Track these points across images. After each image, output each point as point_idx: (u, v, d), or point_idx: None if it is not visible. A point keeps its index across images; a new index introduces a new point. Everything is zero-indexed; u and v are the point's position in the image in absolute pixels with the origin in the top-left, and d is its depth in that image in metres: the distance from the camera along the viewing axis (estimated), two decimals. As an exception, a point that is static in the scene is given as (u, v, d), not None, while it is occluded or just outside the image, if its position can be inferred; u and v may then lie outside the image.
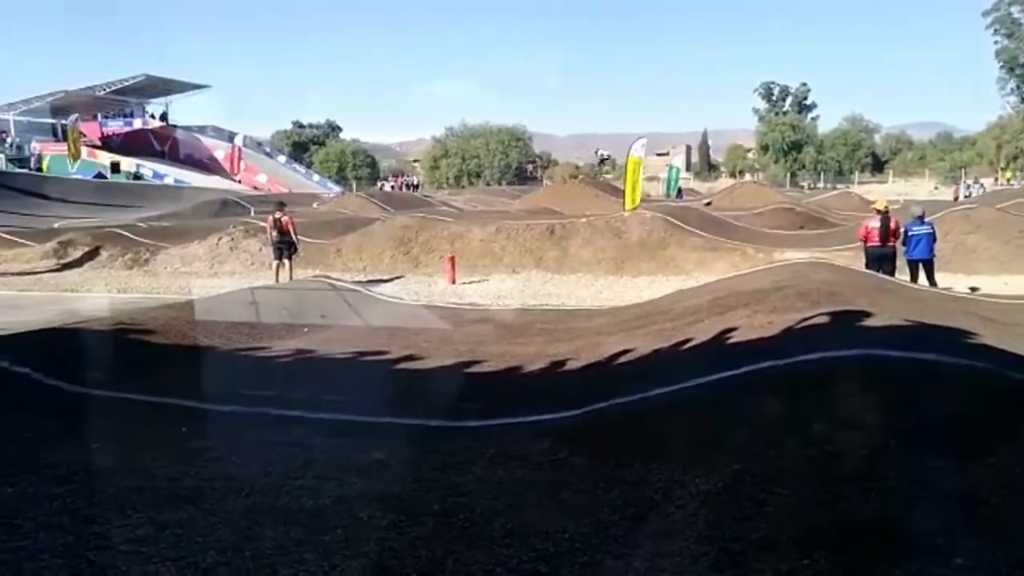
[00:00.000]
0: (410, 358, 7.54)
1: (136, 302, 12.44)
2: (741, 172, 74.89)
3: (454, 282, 14.98)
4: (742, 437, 4.32)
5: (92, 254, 18.37)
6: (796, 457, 4.01)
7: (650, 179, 45.94)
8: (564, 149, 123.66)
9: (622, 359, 6.93)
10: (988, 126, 64.49)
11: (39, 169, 42.39)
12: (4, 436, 4.91)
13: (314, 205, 31.97)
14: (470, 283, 14.98)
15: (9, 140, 46.85)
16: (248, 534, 3.47)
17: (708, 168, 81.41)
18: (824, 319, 6.39)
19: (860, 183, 58.72)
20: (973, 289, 11.85)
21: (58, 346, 7.35)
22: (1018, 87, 65.18)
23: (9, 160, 43.04)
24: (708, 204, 29.03)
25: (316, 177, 56.70)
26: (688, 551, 3.21)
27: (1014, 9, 62.73)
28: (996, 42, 64.46)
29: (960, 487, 3.65)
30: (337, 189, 50.16)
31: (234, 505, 3.81)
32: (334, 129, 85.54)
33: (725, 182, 62.28)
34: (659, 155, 74.39)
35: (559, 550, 3.28)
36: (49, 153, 45.64)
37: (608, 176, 63.05)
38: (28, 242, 19.61)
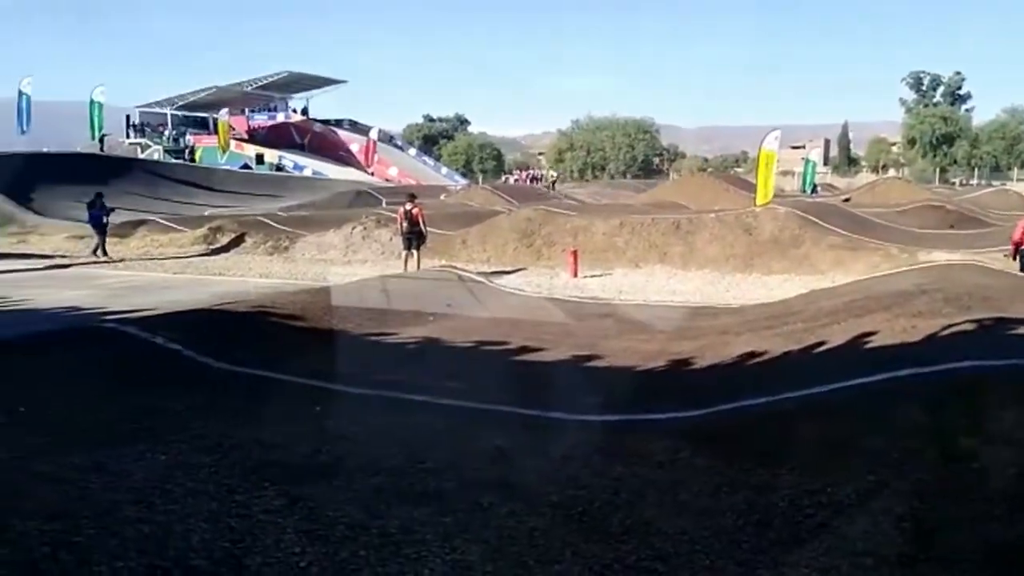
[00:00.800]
0: (531, 349, 7.60)
1: (276, 286, 13.21)
2: (884, 167, 70.56)
3: (576, 275, 14.96)
4: (878, 447, 4.08)
5: (238, 240, 19.63)
6: (938, 471, 3.75)
7: (784, 173, 44.16)
8: (692, 142, 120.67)
9: (749, 360, 6.71)
10: None
11: (192, 160, 45.70)
12: (159, 407, 5.34)
13: (441, 197, 32.77)
14: (592, 277, 14.91)
15: (167, 133, 50.80)
16: (374, 512, 3.62)
17: (848, 162, 77.29)
18: (974, 326, 5.94)
19: (1019, 179, 53.96)
20: None
21: (207, 325, 7.92)
22: None
23: (166, 151, 46.69)
24: (847, 200, 27.55)
25: (444, 170, 58.08)
26: (816, 563, 3.08)
27: None
28: None
29: None
30: (464, 182, 51.19)
31: (362, 483, 3.98)
32: (462, 123, 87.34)
33: (866, 177, 58.92)
34: (794, 148, 71.25)
35: (678, 551, 3.22)
36: (201, 145, 49.15)
37: (740, 170, 61.05)
38: (182, 228, 21.19)
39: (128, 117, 50.66)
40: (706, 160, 78.61)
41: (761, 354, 6.81)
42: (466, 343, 8.02)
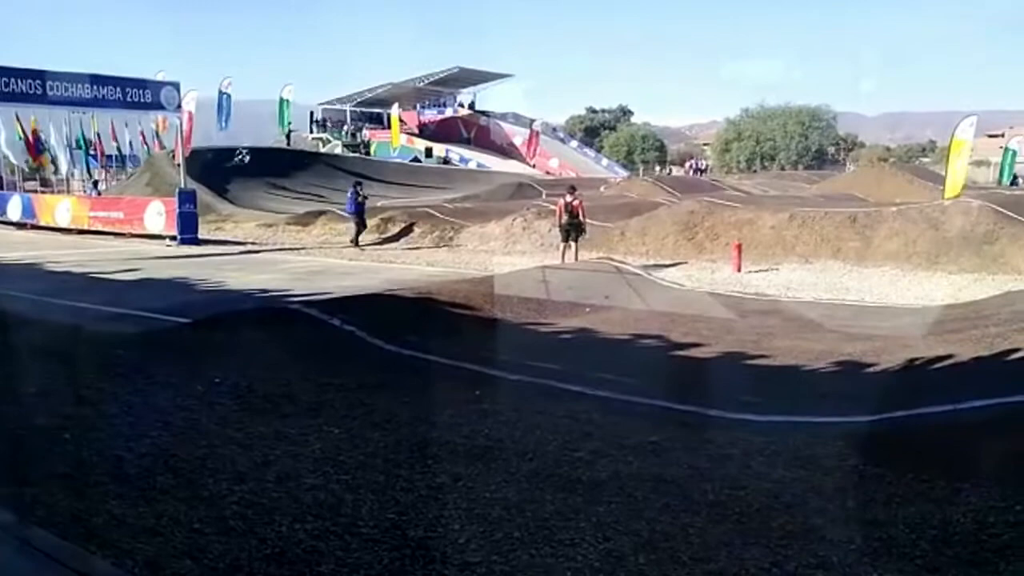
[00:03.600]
0: (690, 344, 7.46)
1: (441, 275, 13.75)
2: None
3: (739, 270, 14.44)
4: (1083, 468, 3.67)
5: (407, 230, 20.61)
6: None
7: (978, 164, 40.18)
8: (873, 130, 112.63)
9: (931, 365, 6.22)
10: None
11: (367, 153, 48.37)
12: (334, 384, 5.74)
13: (600, 189, 32.67)
14: (757, 272, 14.34)
15: (345, 128, 54.07)
16: (530, 496, 3.71)
17: (1057, 151, 69.08)
18: None
19: None
20: None
21: (379, 310, 8.41)
22: None
23: (345, 146, 49.72)
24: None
25: (604, 161, 57.80)
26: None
27: None
28: None
29: None
30: (624, 173, 50.74)
31: (518, 467, 4.10)
32: (625, 113, 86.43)
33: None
34: (991, 136, 64.64)
35: (843, 561, 3.06)
36: (376, 139, 51.92)
37: (926, 160, 56.31)
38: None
39: (311, 114, 54.39)
40: (888, 149, 72.98)
41: (945, 358, 6.30)
42: (623, 335, 8.00)
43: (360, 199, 19.35)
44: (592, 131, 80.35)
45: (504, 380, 6.06)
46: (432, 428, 4.79)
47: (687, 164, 56.15)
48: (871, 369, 6.44)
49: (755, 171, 59.74)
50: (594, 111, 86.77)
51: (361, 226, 19.33)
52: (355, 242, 19.03)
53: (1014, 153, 36.70)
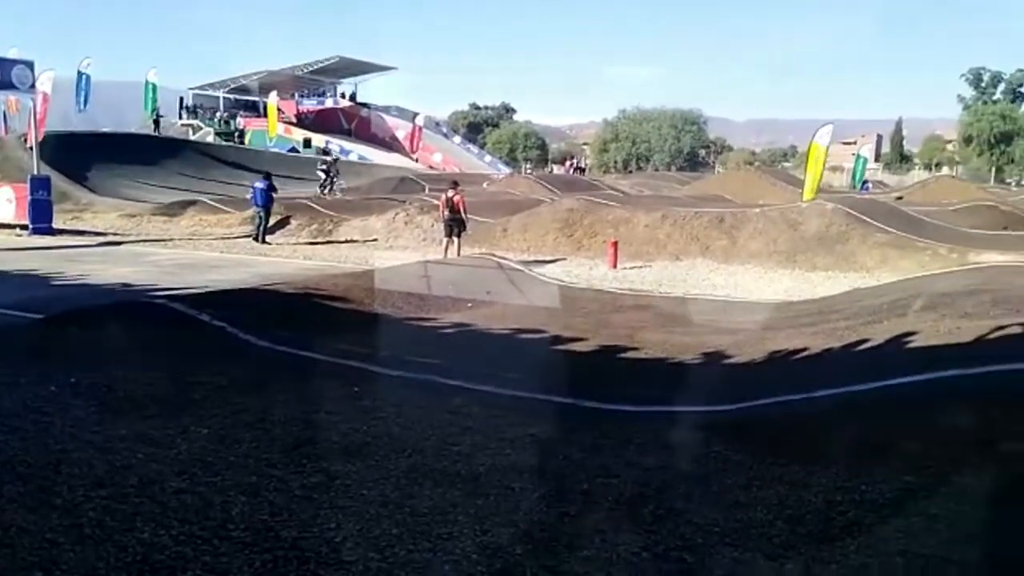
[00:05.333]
0: (568, 339, 7.63)
1: (319, 268, 13.42)
2: (938, 165, 68.52)
3: (616, 267, 14.90)
4: (917, 449, 4.02)
5: (283, 223, 19.95)
6: (978, 475, 3.69)
7: (834, 169, 43.23)
8: (741, 134, 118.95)
9: (788, 356, 6.64)
10: None
11: (242, 142, 46.43)
12: (203, 382, 5.49)
13: (484, 185, 32.83)
14: (632, 268, 14.84)
15: (218, 115, 51.68)
16: (408, 492, 3.69)
17: (900, 159, 75.29)
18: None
19: (1084, 180, 51.99)
20: None
21: (252, 304, 8.10)
22: None
23: (217, 134, 47.54)
24: (899, 199, 26.91)
25: (488, 158, 58.09)
26: (846, 560, 3.06)
27: None
28: None
29: None
30: (507, 170, 51.18)
31: (397, 463, 4.06)
32: (508, 111, 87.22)
33: (918, 175, 57.38)
34: (845, 144, 69.68)
35: (708, 542, 3.23)
36: (251, 128, 49.91)
37: (788, 165, 59.99)
38: (229, 209, 21.60)
39: (181, 99, 51.66)
40: (754, 153, 77.29)
41: (801, 350, 6.74)
42: (503, 330, 8.08)
43: (270, 192, 18.39)
44: (475, 127, 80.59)
45: (384, 376, 5.98)
46: (307, 427, 4.66)
47: (567, 163, 57.25)
48: (735, 360, 6.80)
49: (631, 171, 61.73)
50: (478, 107, 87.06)
51: (267, 220, 18.46)
52: (261, 238, 18.12)
53: (864, 160, 39.72)
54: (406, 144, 51.62)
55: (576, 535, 3.28)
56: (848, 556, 3.09)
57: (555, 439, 4.58)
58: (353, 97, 58.46)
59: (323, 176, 26.93)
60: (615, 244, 15.40)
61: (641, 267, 15.03)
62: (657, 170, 60.76)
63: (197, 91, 53.51)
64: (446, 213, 15.08)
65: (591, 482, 3.85)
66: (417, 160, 49.26)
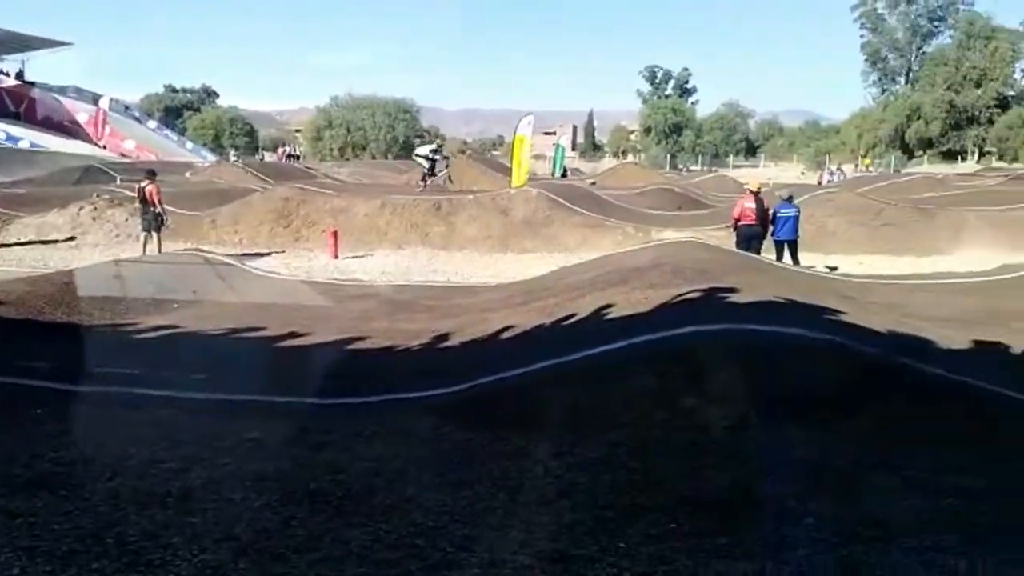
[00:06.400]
0: (288, 335, 7.32)
1: (-16, 275, 11.46)
2: (624, 153, 76.92)
3: (336, 257, 14.66)
4: (618, 410, 4.46)
5: (-69, 222, 16.77)
6: (667, 428, 4.18)
7: (537, 157, 46.40)
8: (453, 124, 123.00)
9: (506, 335, 7.00)
10: (851, 115, 69.27)
11: None
12: None
13: (187, 175, 30.41)
14: (353, 258, 14.70)
15: None
16: (110, 520, 3.29)
17: (593, 148, 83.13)
18: (696, 295, 6.67)
19: (734, 166, 61.50)
20: (832, 268, 12.69)
21: None
22: (879, 79, 70.23)
23: None
24: (593, 184, 29.62)
25: (189, 145, 53.84)
26: (563, 519, 3.30)
27: (879, 4, 67.31)
28: (862, 36, 69.18)
29: (814, 454, 3.92)
30: (212, 158, 47.85)
31: (94, 490, 3.59)
32: (210, 94, 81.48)
33: (609, 162, 63.76)
34: (546, 134, 75.19)
35: (438, 523, 3.28)
36: None
37: (496, 153, 63.23)
38: None
39: None
40: (465, 142, 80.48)
41: (517, 327, 7.14)
42: (216, 331, 7.53)
43: None
44: (173, 112, 74.28)
45: (74, 393, 5.26)
46: (-26, 462, 3.95)
47: (280, 150, 55.08)
48: (458, 342, 7.01)
49: (348, 159, 61.00)
50: (175, 90, 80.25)
51: None
52: None
53: (563, 149, 43.11)
54: (90, 130, 46.05)
55: (305, 538, 3.16)
56: (565, 515, 3.33)
57: (278, 441, 4.37)
58: (20, 75, 50.59)
59: (427, 165, 22.31)
60: (335, 234, 15.14)
61: (363, 256, 14.94)
62: (375, 158, 60.74)
63: None
64: (139, 206, 13.73)
65: (318, 481, 3.73)
66: (105, 147, 44.14)
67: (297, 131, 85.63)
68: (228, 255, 12.85)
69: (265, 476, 3.78)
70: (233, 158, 48.20)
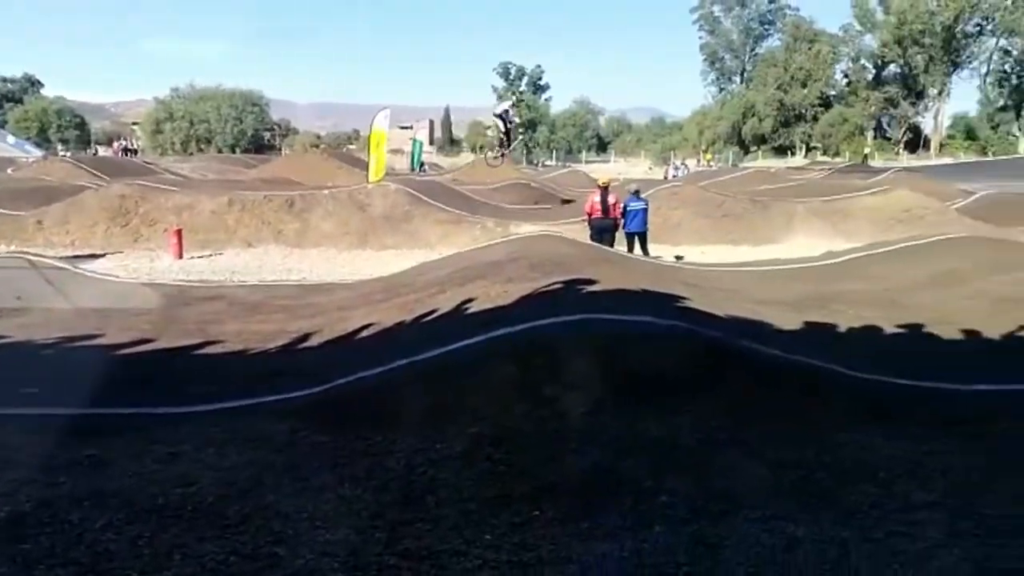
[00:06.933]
0: (130, 342, 6.86)
1: None
2: (481, 148, 77.42)
3: (181, 257, 13.85)
4: (480, 402, 4.50)
5: None
6: (527, 418, 4.27)
7: (395, 152, 45.88)
8: (305, 118, 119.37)
9: (365, 333, 6.89)
10: (693, 113, 73.40)
11: None
12: None
13: (9, 171, 27.76)
14: (201, 258, 13.96)
15: None
16: (-79, 556, 2.96)
17: (451, 143, 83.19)
18: (554, 288, 6.84)
19: (587, 162, 63.47)
20: (678, 258, 13.39)
21: None
22: (717, 79, 74.90)
23: None
24: (454, 180, 29.68)
25: (11, 139, 49.12)
26: (429, 516, 3.30)
27: (715, 8, 71.68)
28: (700, 37, 73.45)
29: (664, 435, 4.13)
30: (38, 152, 43.92)
31: None
32: (34, 84, 74.57)
33: (467, 157, 64.04)
34: (403, 128, 74.59)
35: (299, 530, 3.19)
36: None
37: (352, 148, 62.01)
38: None
39: None
40: (319, 137, 78.26)
41: (378, 325, 7.04)
42: (46, 340, 6.93)
43: None
44: (-11, 102, 67.48)
45: None
46: None
47: (115, 144, 51.32)
48: (316, 342, 6.83)
49: (192, 154, 57.87)
50: (-10, 78, 72.84)
51: None
52: None
53: (421, 143, 42.91)
54: None
55: (153, 556, 2.98)
56: (430, 512, 3.33)
57: (122, 455, 4.08)
58: None
59: (502, 127, 18.80)
60: (179, 232, 14.30)
61: (211, 256, 14.23)
62: (220, 152, 57.90)
63: None
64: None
65: (167, 495, 3.52)
66: (-94, 140, 39.48)
67: (134, 124, 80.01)
68: (58, 258, 11.83)
69: (107, 493, 3.53)
70: (62, 152, 44.42)
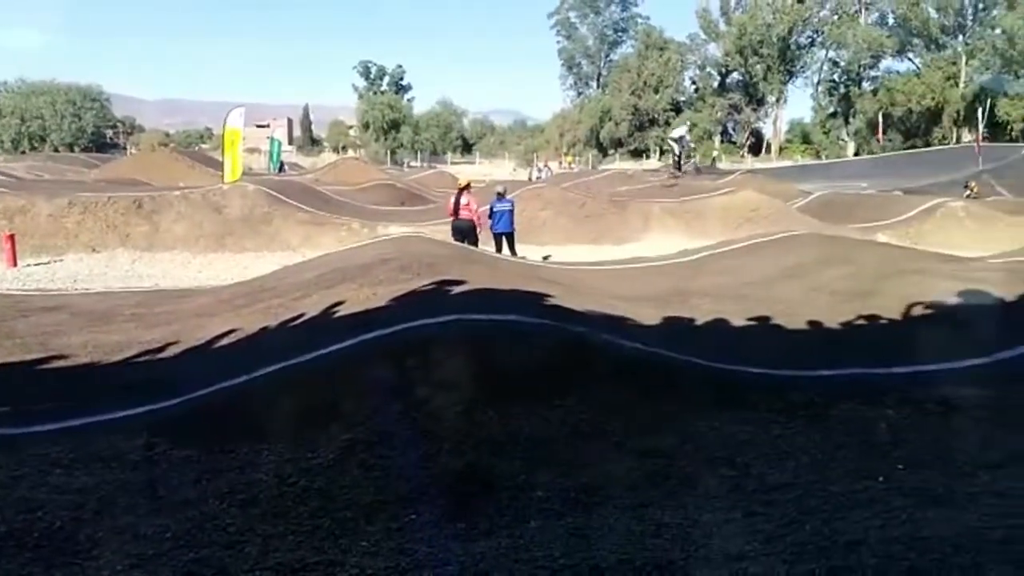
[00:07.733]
0: (-44, 359, 6.22)
1: None
2: (344, 148, 75.91)
3: (15, 265, 12.73)
4: (352, 407, 4.42)
5: None
6: (401, 421, 4.24)
7: (251, 151, 44.18)
8: (152, 115, 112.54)
9: (227, 340, 6.59)
10: (553, 116, 75.27)
11: None
12: None
13: None
14: (38, 265, 12.88)
15: None
16: None
17: (311, 142, 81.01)
18: (423, 289, 6.82)
19: (452, 163, 63.65)
20: (545, 257, 13.70)
21: None
22: (575, 83, 77.14)
23: None
24: (316, 180, 28.90)
25: None
26: (301, 527, 3.21)
27: (572, 14, 73.74)
28: (558, 42, 75.41)
29: (536, 430, 4.22)
30: None
31: None
32: None
33: (328, 157, 62.58)
34: (259, 127, 71.90)
35: (159, 551, 3.02)
36: None
37: (205, 146, 59.08)
38: None
39: None
40: (168, 135, 74.05)
41: (238, 332, 6.75)
42: None
43: None
44: None
45: None
46: None
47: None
48: (171, 353, 6.46)
49: (24, 152, 53.28)
50: None
51: None
52: None
53: (279, 143, 41.50)
54: None
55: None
56: (303, 522, 3.24)
57: (-50, 484, 3.70)
58: None
59: (677, 150, 19.40)
60: (11, 238, 13.15)
61: (49, 263, 13.17)
62: (57, 151, 53.64)
63: None
64: None
65: (8, 523, 3.23)
66: None
67: (-47, 119, 72.59)
68: None
69: (-67, 528, 3.19)
70: None
